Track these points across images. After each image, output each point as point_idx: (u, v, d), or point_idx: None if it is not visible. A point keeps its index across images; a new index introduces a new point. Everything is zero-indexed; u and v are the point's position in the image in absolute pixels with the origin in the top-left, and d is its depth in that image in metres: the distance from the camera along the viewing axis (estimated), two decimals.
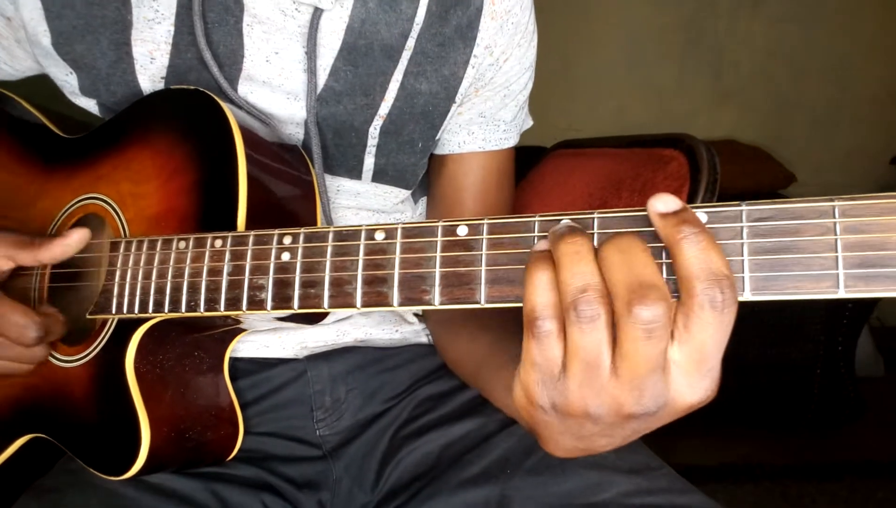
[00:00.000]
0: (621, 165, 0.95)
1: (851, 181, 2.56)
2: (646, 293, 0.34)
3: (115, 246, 0.58)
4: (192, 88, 0.61)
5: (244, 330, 0.67)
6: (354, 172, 0.73)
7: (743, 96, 2.59)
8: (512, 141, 0.80)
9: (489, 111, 0.76)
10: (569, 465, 0.63)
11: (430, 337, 0.83)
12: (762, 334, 1.99)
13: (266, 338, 0.74)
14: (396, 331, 0.80)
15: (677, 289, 0.36)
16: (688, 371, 0.36)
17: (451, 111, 0.73)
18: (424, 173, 0.84)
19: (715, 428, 2.02)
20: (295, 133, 0.69)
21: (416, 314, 0.83)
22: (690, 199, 0.79)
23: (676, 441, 1.96)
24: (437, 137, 0.75)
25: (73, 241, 0.58)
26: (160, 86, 0.66)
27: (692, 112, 2.59)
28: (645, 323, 0.34)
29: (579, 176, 1.00)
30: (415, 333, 0.82)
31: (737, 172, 2.25)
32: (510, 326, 0.65)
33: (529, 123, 0.83)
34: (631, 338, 0.35)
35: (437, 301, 0.43)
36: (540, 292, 0.37)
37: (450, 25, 0.68)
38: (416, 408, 0.75)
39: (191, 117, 0.60)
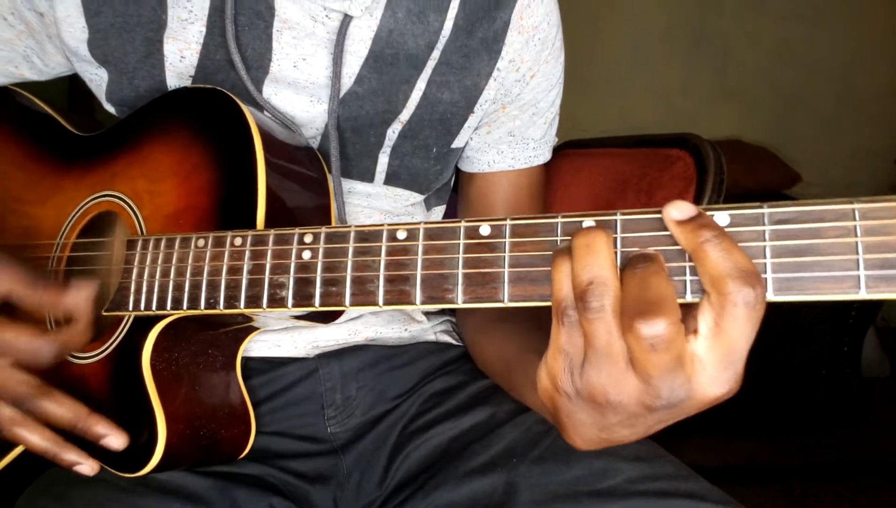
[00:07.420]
0: (627, 165, 0.94)
1: (856, 180, 2.55)
2: (648, 310, 0.35)
3: (131, 244, 0.58)
4: (209, 87, 0.61)
5: (257, 328, 0.67)
6: (368, 175, 0.74)
7: (748, 96, 2.59)
8: (542, 159, 0.81)
9: (518, 130, 0.77)
10: (574, 454, 0.63)
11: (437, 335, 0.83)
12: (768, 334, 1.97)
13: (278, 337, 0.74)
14: (405, 330, 0.80)
15: (703, 288, 0.37)
16: (713, 366, 0.37)
17: (469, 121, 0.74)
18: (443, 186, 0.84)
19: (720, 428, 2.01)
20: (314, 135, 0.70)
21: (424, 313, 0.83)
22: (696, 199, 0.78)
23: (681, 441, 1.95)
24: (452, 145, 0.75)
25: (84, 299, 0.54)
26: (187, 84, 0.66)
27: (697, 111, 2.59)
28: (647, 339, 0.35)
29: (585, 176, 1.00)
30: (423, 331, 0.82)
31: (742, 172, 2.25)
32: (542, 325, 0.65)
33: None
34: (638, 349, 0.36)
35: (459, 300, 0.43)
36: (565, 283, 0.39)
37: (475, 38, 0.69)
38: (424, 403, 0.76)
39: (209, 116, 0.60)
